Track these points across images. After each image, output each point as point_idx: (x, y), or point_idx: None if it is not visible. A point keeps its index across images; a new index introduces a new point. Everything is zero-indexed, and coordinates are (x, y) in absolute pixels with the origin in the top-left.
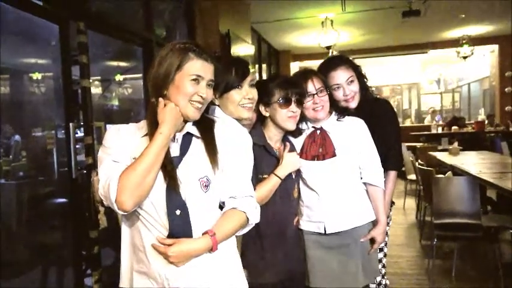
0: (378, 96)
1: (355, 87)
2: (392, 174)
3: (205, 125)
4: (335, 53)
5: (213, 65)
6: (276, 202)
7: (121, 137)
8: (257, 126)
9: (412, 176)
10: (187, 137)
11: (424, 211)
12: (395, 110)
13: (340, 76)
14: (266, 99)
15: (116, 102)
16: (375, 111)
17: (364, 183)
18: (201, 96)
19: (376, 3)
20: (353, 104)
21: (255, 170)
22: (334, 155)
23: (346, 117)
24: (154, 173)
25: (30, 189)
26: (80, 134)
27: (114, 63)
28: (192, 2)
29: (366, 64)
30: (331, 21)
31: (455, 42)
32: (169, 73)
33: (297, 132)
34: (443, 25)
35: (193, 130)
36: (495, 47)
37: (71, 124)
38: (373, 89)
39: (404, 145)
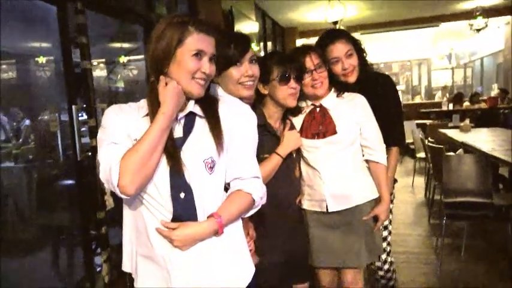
0: (378, 71)
1: (353, 61)
2: (395, 150)
3: (209, 104)
4: (342, 28)
5: (214, 38)
6: (277, 182)
7: (120, 117)
8: (256, 105)
9: (422, 154)
10: (191, 116)
11: (434, 190)
12: (402, 87)
13: (339, 49)
14: (264, 77)
15: (121, 84)
16: (376, 87)
17: (366, 161)
18: (204, 72)
19: None
20: (352, 79)
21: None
22: (334, 133)
23: (346, 93)
24: (157, 156)
25: (38, 172)
26: (85, 116)
27: (118, 45)
28: None
29: (374, 39)
30: None
31: (468, 14)
32: (170, 49)
33: (297, 111)
34: None
35: (197, 109)
36: (510, 19)
37: (73, 107)
38: (382, 65)
39: (413, 122)
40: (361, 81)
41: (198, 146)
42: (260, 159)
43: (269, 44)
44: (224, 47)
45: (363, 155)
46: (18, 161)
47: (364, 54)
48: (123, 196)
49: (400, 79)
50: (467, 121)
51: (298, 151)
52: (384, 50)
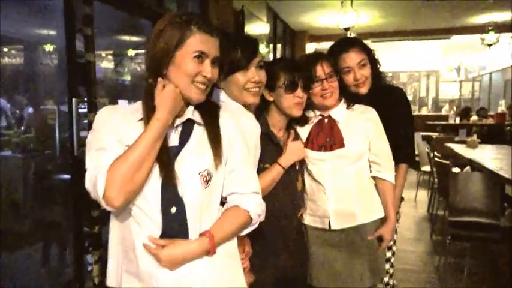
0: (391, 83)
1: (366, 71)
2: (404, 167)
3: (209, 110)
4: (353, 35)
5: (219, 40)
6: (278, 194)
7: (114, 119)
8: (259, 111)
9: (426, 168)
10: (188, 124)
11: (437, 205)
12: (409, 98)
13: (352, 58)
14: (270, 83)
15: (128, 78)
16: (388, 100)
17: (374, 177)
18: (205, 76)
19: None
20: (363, 90)
21: None
22: (342, 146)
23: (357, 105)
24: (148, 166)
25: (34, 164)
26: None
27: (127, 38)
28: None
29: (384, 48)
30: (351, 0)
31: (480, 29)
32: (169, 50)
33: (303, 120)
34: (468, 9)
35: (196, 116)
36: None
37: (73, 99)
38: (390, 74)
39: (419, 134)
40: (372, 93)
41: (194, 156)
42: (260, 169)
43: (278, 46)
44: (230, 50)
45: (371, 171)
46: (16, 150)
47: (378, 65)
48: (108, 208)
49: (408, 89)
50: (474, 137)
51: (302, 163)
52: (393, 59)
